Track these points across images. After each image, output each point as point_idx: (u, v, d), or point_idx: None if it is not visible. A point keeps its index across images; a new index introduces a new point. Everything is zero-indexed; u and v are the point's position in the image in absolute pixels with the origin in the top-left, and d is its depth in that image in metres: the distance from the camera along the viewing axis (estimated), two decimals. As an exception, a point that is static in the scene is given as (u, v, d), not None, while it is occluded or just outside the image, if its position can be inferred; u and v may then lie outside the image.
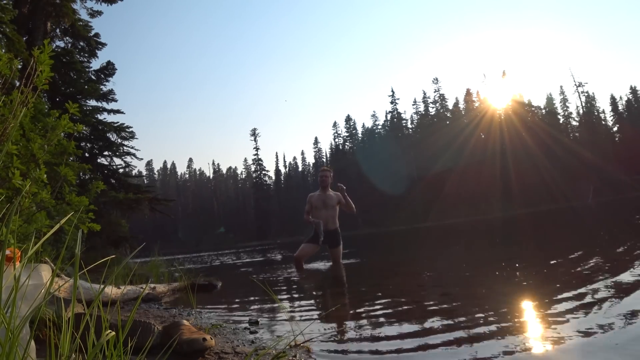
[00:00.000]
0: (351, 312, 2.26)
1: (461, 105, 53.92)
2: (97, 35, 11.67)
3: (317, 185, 5.33)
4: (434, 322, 1.75)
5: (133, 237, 10.67)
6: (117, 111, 11.49)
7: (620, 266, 2.57)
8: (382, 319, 1.95)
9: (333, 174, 5.35)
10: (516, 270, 3.13)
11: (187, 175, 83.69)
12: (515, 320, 1.62)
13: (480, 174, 43.71)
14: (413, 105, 57.13)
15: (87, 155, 10.71)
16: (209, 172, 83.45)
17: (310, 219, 5.01)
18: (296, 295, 3.18)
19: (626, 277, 2.19)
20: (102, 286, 0.81)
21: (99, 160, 10.93)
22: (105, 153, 11.02)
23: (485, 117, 49.38)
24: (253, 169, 66.77)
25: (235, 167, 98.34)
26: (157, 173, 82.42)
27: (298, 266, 4.85)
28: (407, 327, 1.69)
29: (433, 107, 54.90)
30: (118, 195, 9.47)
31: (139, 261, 6.13)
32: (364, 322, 1.98)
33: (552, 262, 3.32)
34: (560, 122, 51.20)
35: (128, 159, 11.25)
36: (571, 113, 52.02)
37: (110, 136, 11.00)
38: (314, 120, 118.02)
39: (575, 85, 51.49)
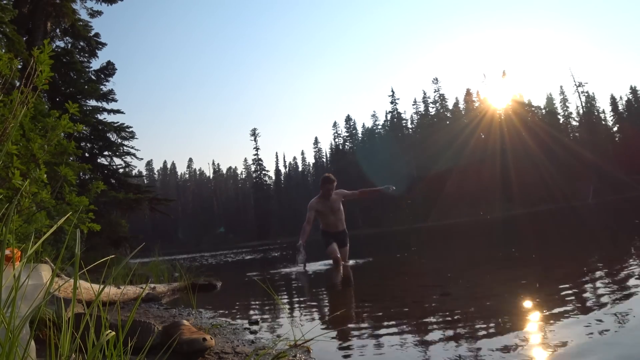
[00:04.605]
0: (352, 311, 2.26)
1: (461, 105, 53.95)
2: (97, 35, 11.67)
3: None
4: (434, 322, 1.75)
5: (133, 237, 10.67)
6: (117, 111, 11.50)
7: (621, 266, 2.57)
8: (382, 319, 1.95)
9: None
10: (516, 270, 3.13)
11: (187, 175, 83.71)
12: (516, 320, 1.62)
13: (481, 174, 43.71)
14: (413, 105, 57.22)
15: (87, 155, 10.71)
16: (209, 172, 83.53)
17: (299, 245, 4.86)
18: (296, 295, 3.18)
19: (626, 277, 2.19)
20: (102, 286, 0.81)
21: (99, 160, 10.94)
22: (105, 153, 11.02)
23: (485, 117, 49.40)
24: (253, 169, 66.86)
25: (235, 167, 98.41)
26: (157, 173, 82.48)
27: (337, 263, 4.84)
28: (407, 327, 1.69)
29: (433, 107, 54.94)
30: (118, 195, 9.46)
31: (139, 261, 6.13)
32: (365, 321, 1.98)
33: (551, 261, 3.32)
34: (560, 122, 51.21)
35: (128, 159, 11.26)
36: (571, 113, 52.06)
37: (110, 136, 11.00)
38: (314, 120, 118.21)
39: (575, 85, 51.53)
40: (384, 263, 5.21)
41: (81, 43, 11.64)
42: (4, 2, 7.48)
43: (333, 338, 1.63)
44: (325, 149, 72.36)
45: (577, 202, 33.88)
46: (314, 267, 4.99)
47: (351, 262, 5.06)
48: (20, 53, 6.69)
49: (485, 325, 1.57)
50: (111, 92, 11.45)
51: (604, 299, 1.75)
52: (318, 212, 5.13)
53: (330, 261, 5.06)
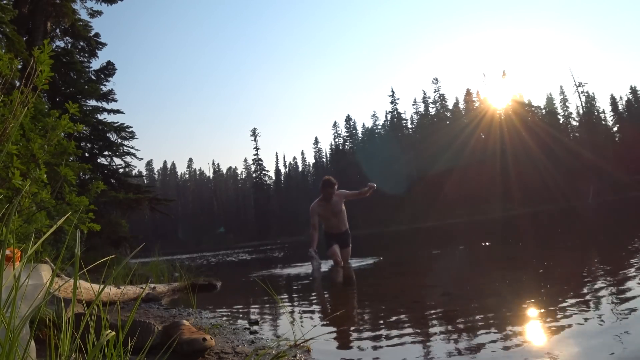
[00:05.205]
0: (352, 311, 2.26)
1: (461, 105, 53.93)
2: (97, 35, 11.66)
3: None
4: (434, 322, 1.75)
5: (133, 237, 10.66)
6: (117, 111, 11.48)
7: (620, 266, 2.57)
8: (382, 319, 1.95)
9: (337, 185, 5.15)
10: (516, 270, 3.13)
11: (187, 175, 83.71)
12: (516, 319, 1.62)
13: (480, 174, 43.71)
14: (413, 105, 57.15)
15: (87, 155, 10.70)
16: (209, 172, 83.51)
17: (309, 253, 4.83)
18: (296, 295, 3.18)
19: (626, 276, 2.19)
20: (102, 286, 0.81)
21: (99, 160, 10.92)
22: (105, 153, 11.01)
23: (485, 117, 49.39)
24: (253, 169, 66.85)
25: (235, 167, 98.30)
26: (157, 173, 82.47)
27: (338, 265, 4.84)
28: (407, 327, 1.69)
29: (433, 107, 54.92)
30: (118, 195, 9.46)
31: (139, 261, 6.12)
32: (365, 321, 1.98)
33: (551, 261, 3.32)
34: (560, 122, 51.19)
35: (128, 159, 11.23)
36: (571, 113, 52.03)
37: (110, 136, 10.99)
38: (314, 120, 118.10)
39: (575, 85, 51.49)
40: (383, 263, 5.21)
41: (81, 43, 11.63)
42: (4, 2, 7.48)
43: (333, 338, 1.64)
44: (325, 149, 72.28)
45: (577, 202, 33.87)
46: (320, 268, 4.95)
47: (371, 261, 5.00)
48: (20, 53, 6.69)
49: (485, 325, 1.57)
50: (111, 92, 11.44)
51: (604, 299, 1.75)
52: (320, 215, 5.10)
53: (332, 262, 5.06)
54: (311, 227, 5.05)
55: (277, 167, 69.95)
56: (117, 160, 11.15)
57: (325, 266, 4.92)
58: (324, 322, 1.97)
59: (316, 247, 4.89)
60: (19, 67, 2.40)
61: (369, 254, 5.90)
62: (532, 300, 1.93)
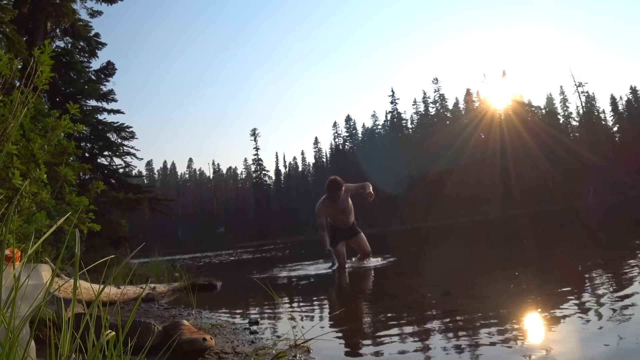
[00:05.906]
0: (352, 312, 2.26)
1: (461, 105, 53.92)
2: (97, 35, 11.66)
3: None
4: (434, 322, 1.75)
5: (133, 237, 10.67)
6: (117, 111, 11.49)
7: (620, 266, 2.57)
8: (382, 319, 1.95)
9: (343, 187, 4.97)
10: (516, 270, 3.13)
11: (187, 175, 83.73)
12: (516, 319, 1.62)
13: (480, 174, 43.70)
14: (413, 105, 57.13)
15: (87, 155, 10.70)
16: (209, 172, 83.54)
17: (326, 249, 4.78)
18: (296, 295, 3.18)
19: (625, 276, 2.19)
20: (102, 286, 0.81)
21: (99, 160, 10.92)
22: (105, 153, 11.01)
23: (485, 117, 49.39)
24: (253, 169, 66.76)
25: (235, 167, 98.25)
26: (157, 173, 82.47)
27: (343, 267, 4.78)
28: (407, 327, 1.69)
29: (433, 107, 54.90)
30: (118, 195, 9.45)
31: (139, 261, 6.13)
32: (365, 321, 1.98)
33: (552, 261, 3.32)
34: (560, 122, 51.18)
35: (128, 159, 11.24)
36: (571, 113, 52.02)
37: (110, 136, 10.99)
38: (314, 120, 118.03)
39: (575, 85, 51.47)
40: (383, 263, 5.21)
41: (81, 43, 11.63)
42: (4, 2, 7.48)
43: (333, 338, 1.63)
44: (325, 149, 72.27)
45: (577, 202, 33.86)
46: (321, 268, 4.92)
47: (385, 261, 4.89)
48: (20, 53, 6.69)
49: (486, 325, 1.57)
50: (111, 92, 11.44)
51: (603, 299, 1.75)
52: (327, 215, 5.01)
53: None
54: (319, 228, 4.94)
55: (277, 167, 69.95)
56: (117, 160, 11.17)
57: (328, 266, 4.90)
58: (324, 322, 1.97)
59: (329, 244, 4.84)
60: (19, 67, 2.40)
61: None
62: (532, 300, 1.93)
